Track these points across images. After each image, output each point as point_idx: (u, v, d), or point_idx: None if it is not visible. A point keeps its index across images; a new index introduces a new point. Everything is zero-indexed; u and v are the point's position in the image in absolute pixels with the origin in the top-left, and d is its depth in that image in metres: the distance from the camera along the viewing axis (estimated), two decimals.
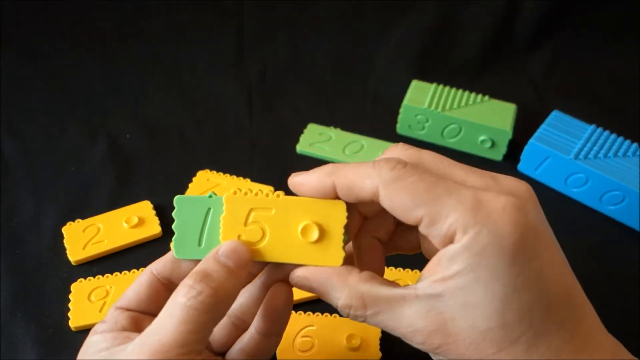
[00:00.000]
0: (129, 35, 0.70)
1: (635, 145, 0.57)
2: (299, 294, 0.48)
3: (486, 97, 0.62)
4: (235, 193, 0.31)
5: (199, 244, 0.32)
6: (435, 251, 0.28)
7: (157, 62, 0.70)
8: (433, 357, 0.30)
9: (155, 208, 0.53)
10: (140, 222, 0.52)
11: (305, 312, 0.46)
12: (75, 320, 0.45)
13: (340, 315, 0.46)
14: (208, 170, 0.58)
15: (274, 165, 0.59)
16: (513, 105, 0.62)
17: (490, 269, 0.26)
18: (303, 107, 0.67)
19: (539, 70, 0.73)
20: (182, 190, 0.56)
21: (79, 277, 0.48)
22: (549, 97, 0.70)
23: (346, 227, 0.31)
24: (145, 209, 0.53)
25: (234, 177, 0.57)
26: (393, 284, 0.30)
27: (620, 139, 0.58)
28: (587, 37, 0.73)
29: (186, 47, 0.71)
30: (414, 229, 0.29)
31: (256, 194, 0.31)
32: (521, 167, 0.60)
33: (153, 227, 0.52)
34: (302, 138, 0.62)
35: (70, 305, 0.46)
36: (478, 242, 0.26)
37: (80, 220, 0.52)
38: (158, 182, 0.57)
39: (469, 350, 0.27)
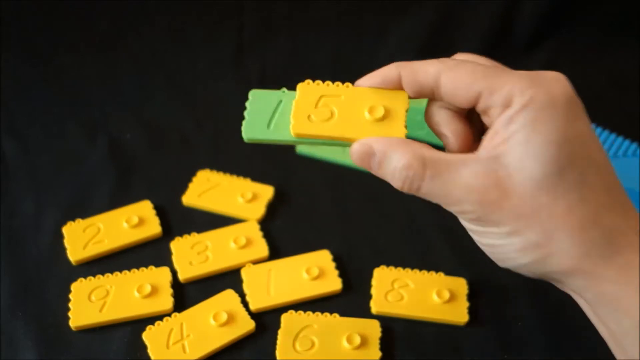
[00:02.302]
0: (129, 35, 0.70)
1: (635, 145, 0.57)
2: (299, 294, 0.48)
3: None
4: (308, 83, 0.36)
5: (268, 127, 0.35)
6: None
7: (157, 62, 0.70)
8: (475, 231, 0.32)
9: (155, 208, 0.54)
10: (140, 222, 0.52)
11: (305, 312, 0.46)
12: (75, 320, 0.45)
13: (340, 314, 0.46)
14: (208, 170, 0.58)
15: (274, 165, 0.59)
16: None
17: (546, 121, 0.29)
18: None
19: (538, 70, 0.72)
20: (182, 190, 0.56)
21: (79, 277, 0.48)
22: None
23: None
24: (145, 209, 0.53)
25: (234, 176, 0.57)
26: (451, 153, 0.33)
27: (620, 138, 0.58)
28: (587, 37, 0.73)
29: (186, 47, 0.71)
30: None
31: (327, 84, 0.36)
32: None
33: (153, 227, 0.52)
34: None
35: (70, 305, 0.46)
36: (535, 100, 0.30)
37: (80, 220, 0.52)
38: (158, 182, 0.57)
39: (525, 203, 0.29)
